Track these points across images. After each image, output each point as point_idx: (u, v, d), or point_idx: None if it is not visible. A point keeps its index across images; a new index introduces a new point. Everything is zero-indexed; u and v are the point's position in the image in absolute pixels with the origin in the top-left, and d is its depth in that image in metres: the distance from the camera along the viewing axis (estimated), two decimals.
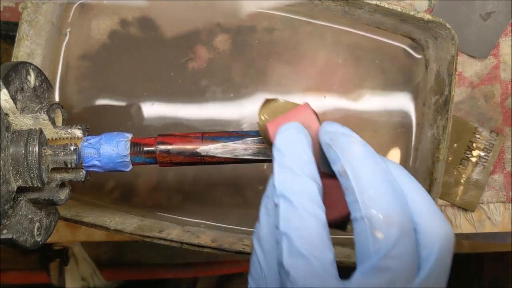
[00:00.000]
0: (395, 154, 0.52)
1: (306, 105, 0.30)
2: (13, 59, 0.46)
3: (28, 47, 0.46)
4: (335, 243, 0.50)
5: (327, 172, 0.28)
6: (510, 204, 0.56)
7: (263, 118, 0.32)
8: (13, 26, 0.58)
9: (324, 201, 0.26)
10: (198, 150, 0.33)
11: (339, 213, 0.29)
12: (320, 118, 0.30)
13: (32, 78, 0.33)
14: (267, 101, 0.32)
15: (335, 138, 0.27)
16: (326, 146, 0.27)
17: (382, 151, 0.52)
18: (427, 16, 0.46)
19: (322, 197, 0.26)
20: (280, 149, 0.27)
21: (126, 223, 0.47)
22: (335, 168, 0.26)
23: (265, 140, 0.32)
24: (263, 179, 0.52)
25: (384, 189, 0.25)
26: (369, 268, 0.23)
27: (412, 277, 0.24)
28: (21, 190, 0.31)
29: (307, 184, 0.25)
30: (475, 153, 0.55)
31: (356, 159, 0.25)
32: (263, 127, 0.31)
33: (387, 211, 0.24)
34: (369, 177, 0.25)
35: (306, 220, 0.24)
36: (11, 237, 0.30)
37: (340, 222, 0.29)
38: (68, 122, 0.35)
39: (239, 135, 0.34)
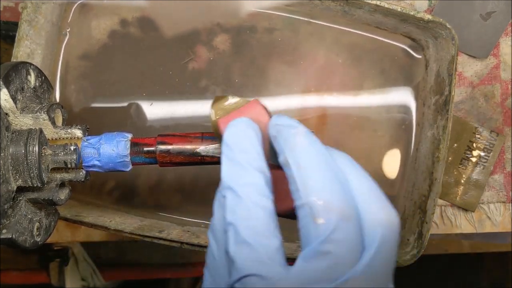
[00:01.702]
0: (395, 154, 0.52)
1: (256, 101, 0.31)
2: (13, 59, 0.46)
3: (28, 47, 0.46)
4: None
5: (277, 165, 0.29)
6: (510, 204, 0.56)
7: (214, 114, 0.32)
8: (13, 26, 0.58)
9: (276, 192, 0.27)
10: (198, 150, 0.33)
11: (290, 203, 0.29)
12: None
13: (32, 78, 0.33)
14: (218, 98, 0.33)
15: (281, 130, 0.28)
16: (273, 138, 0.28)
17: (382, 150, 0.52)
18: (427, 16, 0.46)
19: (272, 188, 0.27)
20: (227, 143, 0.28)
21: (126, 223, 0.47)
22: (280, 159, 0.27)
23: (217, 136, 0.32)
24: None
25: (324, 177, 0.25)
26: (310, 252, 0.24)
27: (354, 262, 0.24)
28: (21, 190, 0.31)
29: (253, 176, 0.26)
30: (475, 153, 0.55)
31: (298, 150, 0.26)
32: (215, 123, 0.32)
33: (327, 198, 0.24)
34: (310, 166, 0.26)
35: (251, 210, 0.25)
36: (10, 236, 0.30)
37: (292, 212, 0.30)
38: (68, 122, 0.35)
39: None
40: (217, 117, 0.32)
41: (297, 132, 0.27)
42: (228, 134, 0.28)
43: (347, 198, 0.25)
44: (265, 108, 0.31)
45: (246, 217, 0.25)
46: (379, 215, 0.26)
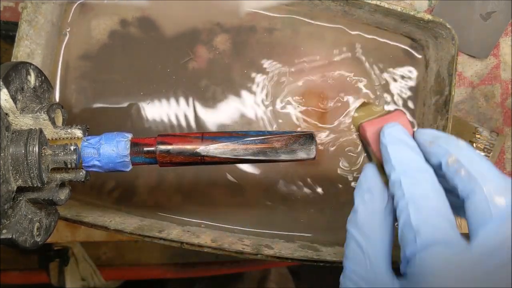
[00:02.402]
0: None
1: (402, 111, 0.33)
2: (13, 59, 0.46)
3: (28, 47, 0.46)
4: (334, 242, 0.51)
5: None
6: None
7: (358, 116, 0.34)
8: (13, 26, 0.58)
9: None
10: (198, 150, 0.33)
11: None
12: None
13: (32, 78, 0.33)
14: (365, 104, 0.35)
15: (438, 136, 0.30)
16: (427, 143, 0.30)
17: None
18: (427, 16, 0.46)
19: None
20: (392, 137, 0.30)
21: (126, 223, 0.47)
22: (442, 159, 0.29)
23: (359, 138, 0.34)
24: (263, 179, 0.52)
25: (496, 172, 0.28)
26: (493, 228, 0.26)
27: None
28: (21, 190, 0.31)
29: (425, 164, 0.29)
30: None
31: (467, 151, 0.28)
32: (358, 124, 0.33)
33: (504, 183, 0.27)
34: (481, 164, 0.28)
35: (431, 195, 0.27)
36: (10, 237, 0.30)
37: None
38: (68, 122, 0.35)
39: (239, 135, 0.34)
40: (362, 121, 0.33)
41: (457, 139, 0.29)
42: (389, 132, 0.30)
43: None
44: (408, 120, 0.32)
45: (424, 195, 0.27)
46: None
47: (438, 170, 0.29)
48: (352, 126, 0.34)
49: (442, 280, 0.25)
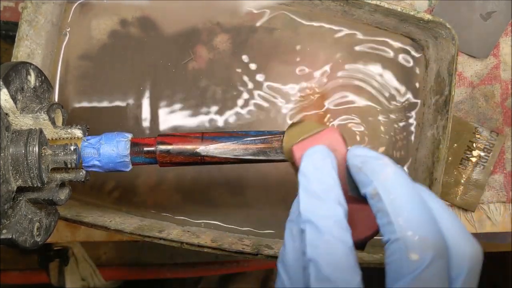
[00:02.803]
0: (394, 154, 0.52)
1: (334, 128, 0.31)
2: (13, 59, 0.46)
3: (28, 47, 0.46)
4: None
5: (353, 195, 0.29)
6: (510, 204, 0.56)
7: (288, 140, 0.32)
8: (13, 26, 0.58)
9: (349, 223, 0.27)
10: (198, 150, 0.33)
11: (362, 234, 0.29)
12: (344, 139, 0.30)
13: (32, 78, 0.33)
14: (293, 124, 0.32)
15: (366, 161, 0.27)
16: (356, 169, 0.27)
17: (382, 151, 0.52)
18: (427, 16, 0.46)
19: (348, 220, 0.26)
20: (305, 173, 0.27)
21: (126, 223, 0.47)
22: (366, 190, 0.26)
23: (290, 162, 0.32)
24: (263, 179, 0.52)
25: (418, 211, 0.25)
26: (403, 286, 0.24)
27: None
28: (21, 190, 0.31)
29: (333, 209, 0.26)
30: (475, 153, 0.55)
31: (389, 182, 0.26)
32: (289, 149, 0.31)
33: (423, 233, 0.24)
34: (403, 199, 0.25)
35: (333, 245, 0.25)
36: (10, 237, 0.30)
37: (360, 243, 0.30)
38: (68, 122, 0.35)
39: (239, 135, 0.34)
40: (292, 143, 0.31)
41: (385, 164, 0.27)
42: (305, 165, 0.28)
43: (439, 233, 0.25)
44: (342, 136, 0.30)
45: (327, 253, 0.25)
46: (467, 249, 0.26)
47: (368, 200, 0.27)
48: (285, 152, 0.32)
49: None
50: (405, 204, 0.25)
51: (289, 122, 0.51)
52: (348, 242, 0.25)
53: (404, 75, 0.52)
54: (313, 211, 0.26)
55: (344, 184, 0.29)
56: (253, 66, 0.52)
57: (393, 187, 0.26)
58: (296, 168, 0.30)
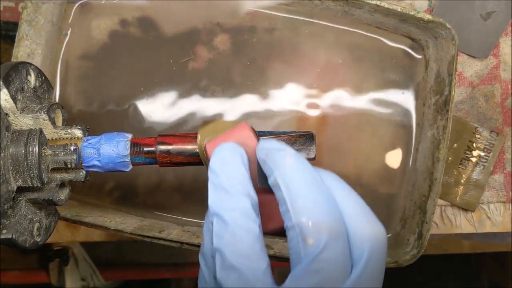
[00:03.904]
0: (395, 154, 0.52)
1: (244, 124, 0.31)
2: (13, 59, 0.46)
3: (28, 47, 0.46)
4: None
5: (266, 187, 0.29)
6: (510, 204, 0.56)
7: (201, 138, 0.33)
8: (13, 26, 0.58)
9: (263, 214, 0.28)
10: (198, 150, 0.33)
11: (276, 224, 0.30)
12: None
13: (32, 78, 0.33)
14: (206, 122, 0.33)
15: (270, 153, 0.28)
16: (262, 161, 0.28)
17: (382, 151, 0.52)
18: (427, 16, 0.46)
19: (259, 211, 0.27)
20: (213, 169, 0.29)
21: (126, 223, 0.47)
22: (270, 181, 0.27)
23: (203, 161, 0.33)
24: None
25: (314, 197, 0.26)
26: (300, 271, 0.25)
27: (344, 278, 0.25)
28: (21, 190, 0.31)
29: (238, 201, 0.27)
30: (475, 153, 0.55)
31: (288, 171, 0.27)
32: (202, 147, 0.32)
33: (317, 218, 0.25)
34: (299, 187, 0.26)
35: (238, 235, 0.26)
36: (10, 237, 0.30)
37: (279, 232, 0.30)
38: (68, 122, 0.35)
39: None
40: (205, 141, 0.32)
41: (286, 154, 0.27)
42: (214, 161, 0.29)
43: (336, 216, 0.26)
44: (253, 131, 0.31)
45: (232, 242, 0.25)
46: (366, 230, 0.26)
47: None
48: (198, 148, 0.33)
49: None
50: (301, 191, 0.26)
51: (296, 123, 0.51)
52: (253, 231, 0.26)
53: (404, 75, 0.52)
54: (219, 204, 0.27)
55: (255, 178, 0.30)
56: (253, 66, 0.52)
57: (290, 176, 0.26)
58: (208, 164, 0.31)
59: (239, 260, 0.25)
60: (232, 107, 0.51)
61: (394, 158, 0.52)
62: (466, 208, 0.56)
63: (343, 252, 0.25)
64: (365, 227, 0.26)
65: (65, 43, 0.51)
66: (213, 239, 0.26)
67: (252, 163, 0.30)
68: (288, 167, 0.27)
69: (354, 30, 0.52)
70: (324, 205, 0.26)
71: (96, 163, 0.33)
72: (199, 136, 0.33)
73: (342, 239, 0.25)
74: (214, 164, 0.29)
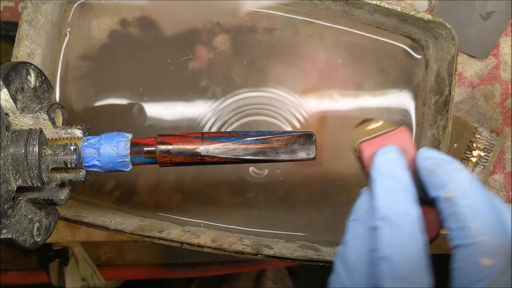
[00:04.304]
0: None
1: (403, 129, 0.31)
2: (13, 59, 0.46)
3: (28, 47, 0.46)
4: (334, 242, 0.50)
5: (423, 197, 0.29)
6: (510, 204, 0.56)
7: (357, 137, 0.32)
8: (13, 26, 0.58)
9: None
10: (198, 150, 0.33)
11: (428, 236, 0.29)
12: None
13: (32, 78, 0.33)
14: (364, 121, 0.32)
15: (439, 164, 0.27)
16: (427, 171, 0.27)
17: None
18: (427, 16, 0.46)
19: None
20: (382, 171, 0.27)
21: (126, 223, 0.47)
22: (439, 193, 0.26)
23: (358, 160, 0.32)
24: (263, 179, 0.52)
25: (492, 217, 0.25)
26: None
27: None
28: (21, 190, 0.31)
29: (410, 207, 0.25)
30: (475, 153, 0.55)
31: (464, 186, 0.25)
32: (357, 146, 0.31)
33: (497, 239, 0.24)
34: (478, 205, 0.25)
35: (408, 245, 0.25)
36: (10, 237, 0.30)
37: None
38: (68, 122, 0.35)
39: (239, 135, 0.33)
40: (359, 139, 0.31)
41: (459, 168, 0.26)
42: (382, 162, 0.28)
43: (510, 240, 0.25)
44: (411, 137, 0.31)
45: (402, 251, 0.24)
46: None
47: (438, 203, 0.26)
48: (351, 146, 0.32)
49: None
50: (480, 209, 0.25)
51: (288, 121, 0.51)
52: (422, 243, 0.25)
53: (404, 75, 0.52)
54: (391, 208, 0.26)
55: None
56: (253, 66, 0.52)
57: (468, 192, 0.25)
58: (362, 163, 0.30)
59: (410, 273, 0.24)
60: (232, 107, 0.51)
61: None
62: None
63: None
64: None
65: (65, 43, 0.51)
66: (382, 246, 0.25)
67: (410, 165, 0.29)
68: (465, 183, 0.26)
69: (354, 30, 0.52)
70: (501, 227, 0.25)
71: (96, 163, 0.33)
72: (354, 132, 0.32)
73: None
74: (383, 165, 0.27)
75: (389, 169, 0.27)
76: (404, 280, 0.24)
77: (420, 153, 0.28)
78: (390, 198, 0.26)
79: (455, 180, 0.26)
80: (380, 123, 0.32)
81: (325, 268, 0.47)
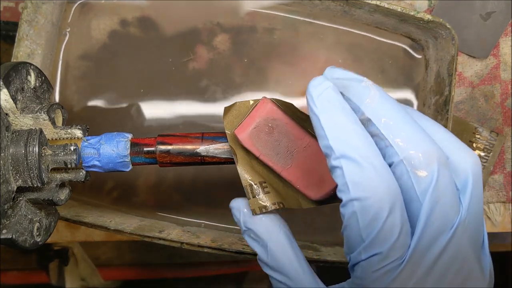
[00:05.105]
0: None
1: (265, 99, 0.31)
2: (13, 59, 0.46)
3: (28, 47, 0.46)
4: (334, 242, 0.50)
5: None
6: (510, 204, 0.56)
7: (230, 128, 0.32)
8: (13, 26, 0.58)
9: (311, 182, 0.29)
10: (198, 150, 0.33)
11: (330, 185, 0.30)
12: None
13: (32, 78, 0.33)
14: (227, 109, 0.33)
15: (349, 85, 0.26)
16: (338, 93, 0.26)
17: None
18: (427, 16, 0.46)
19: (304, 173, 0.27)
20: (323, 104, 0.25)
21: (126, 223, 0.47)
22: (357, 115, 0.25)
23: (232, 148, 0.32)
24: None
25: (413, 129, 0.24)
26: (419, 206, 0.23)
27: (457, 206, 0.24)
28: (21, 190, 0.31)
29: (366, 139, 0.24)
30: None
31: (378, 104, 0.25)
32: (232, 135, 0.32)
33: (425, 149, 0.23)
34: (396, 120, 0.24)
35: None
36: (10, 237, 0.30)
37: (333, 195, 0.30)
38: (68, 122, 0.35)
39: None
40: (233, 129, 0.32)
41: (368, 86, 0.26)
42: (318, 94, 0.26)
43: (438, 146, 0.24)
44: (275, 104, 0.31)
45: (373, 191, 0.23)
46: (466, 158, 0.25)
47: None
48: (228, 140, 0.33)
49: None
50: (399, 124, 0.24)
51: None
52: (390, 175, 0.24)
53: (404, 75, 0.52)
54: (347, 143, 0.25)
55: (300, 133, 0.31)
56: (253, 66, 0.52)
57: (383, 109, 0.25)
58: (245, 150, 0.31)
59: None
60: None
61: None
62: None
63: (452, 182, 0.24)
64: (463, 155, 0.25)
65: (65, 43, 0.51)
66: (350, 188, 0.23)
67: (289, 127, 0.30)
68: (378, 100, 0.25)
69: (354, 30, 0.52)
70: (425, 136, 0.24)
71: (96, 163, 0.33)
72: (226, 126, 0.32)
73: (448, 167, 0.24)
74: (321, 98, 0.25)
75: (330, 99, 0.25)
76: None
77: (327, 72, 0.27)
78: (342, 132, 0.24)
79: (367, 101, 0.25)
80: (243, 103, 0.32)
81: (324, 268, 0.47)
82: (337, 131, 0.24)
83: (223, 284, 0.97)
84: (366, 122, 0.25)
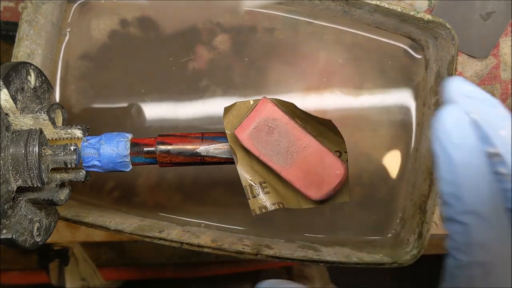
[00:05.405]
0: (394, 155, 0.52)
1: (265, 99, 0.31)
2: (13, 59, 0.46)
3: (28, 47, 0.46)
4: (334, 242, 0.51)
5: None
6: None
7: (230, 128, 0.32)
8: (13, 26, 0.58)
9: (312, 182, 0.29)
10: (198, 150, 0.33)
11: (329, 185, 0.31)
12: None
13: (32, 78, 0.33)
14: (227, 109, 0.33)
15: (481, 109, 0.22)
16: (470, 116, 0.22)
17: (382, 151, 0.52)
18: (427, 16, 0.46)
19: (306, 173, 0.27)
20: (447, 139, 0.22)
21: (126, 223, 0.47)
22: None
23: (232, 148, 0.32)
24: None
25: None
26: None
27: None
28: (21, 190, 0.31)
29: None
30: None
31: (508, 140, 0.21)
32: (232, 135, 0.32)
33: None
34: None
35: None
36: (10, 237, 0.30)
37: (332, 195, 0.31)
38: (68, 122, 0.35)
39: None
40: (233, 129, 0.32)
41: (504, 116, 0.22)
42: (446, 114, 0.22)
43: None
44: (275, 104, 0.32)
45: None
46: None
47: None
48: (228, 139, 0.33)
49: None
50: None
51: None
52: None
53: (404, 75, 0.52)
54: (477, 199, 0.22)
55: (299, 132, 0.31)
56: (253, 66, 0.52)
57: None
58: (245, 150, 0.31)
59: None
60: None
61: (393, 159, 0.52)
62: None
63: None
64: None
65: (65, 43, 0.51)
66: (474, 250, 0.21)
67: (289, 128, 0.31)
68: (509, 137, 0.21)
69: (354, 30, 0.52)
70: None
71: (96, 163, 0.33)
72: (226, 126, 0.32)
73: None
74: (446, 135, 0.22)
75: (465, 137, 0.21)
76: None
77: (452, 85, 0.23)
78: (474, 183, 0.21)
79: (502, 134, 0.21)
80: (243, 103, 0.32)
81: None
82: (470, 180, 0.21)
83: (224, 284, 0.97)
84: (493, 157, 0.22)
